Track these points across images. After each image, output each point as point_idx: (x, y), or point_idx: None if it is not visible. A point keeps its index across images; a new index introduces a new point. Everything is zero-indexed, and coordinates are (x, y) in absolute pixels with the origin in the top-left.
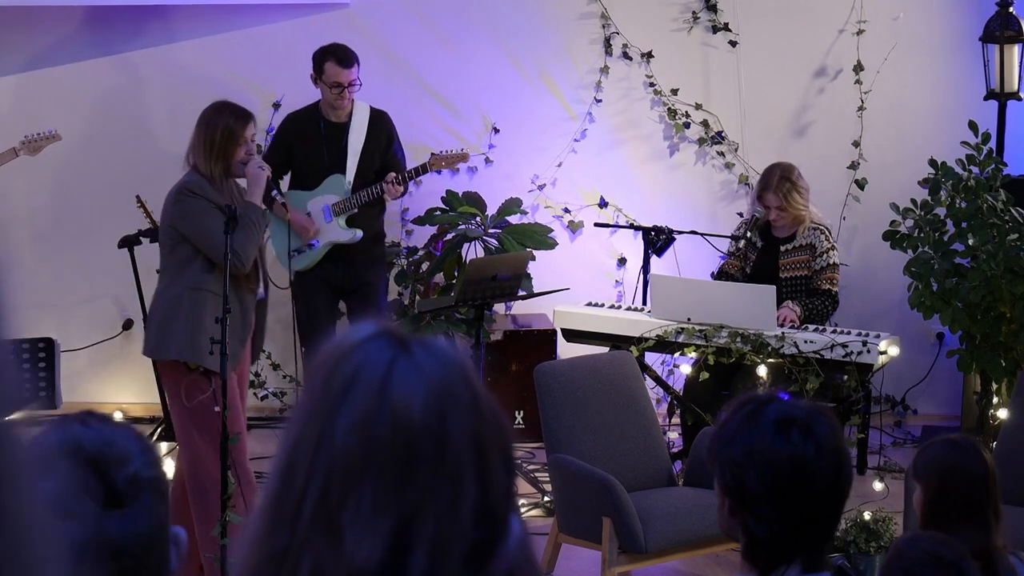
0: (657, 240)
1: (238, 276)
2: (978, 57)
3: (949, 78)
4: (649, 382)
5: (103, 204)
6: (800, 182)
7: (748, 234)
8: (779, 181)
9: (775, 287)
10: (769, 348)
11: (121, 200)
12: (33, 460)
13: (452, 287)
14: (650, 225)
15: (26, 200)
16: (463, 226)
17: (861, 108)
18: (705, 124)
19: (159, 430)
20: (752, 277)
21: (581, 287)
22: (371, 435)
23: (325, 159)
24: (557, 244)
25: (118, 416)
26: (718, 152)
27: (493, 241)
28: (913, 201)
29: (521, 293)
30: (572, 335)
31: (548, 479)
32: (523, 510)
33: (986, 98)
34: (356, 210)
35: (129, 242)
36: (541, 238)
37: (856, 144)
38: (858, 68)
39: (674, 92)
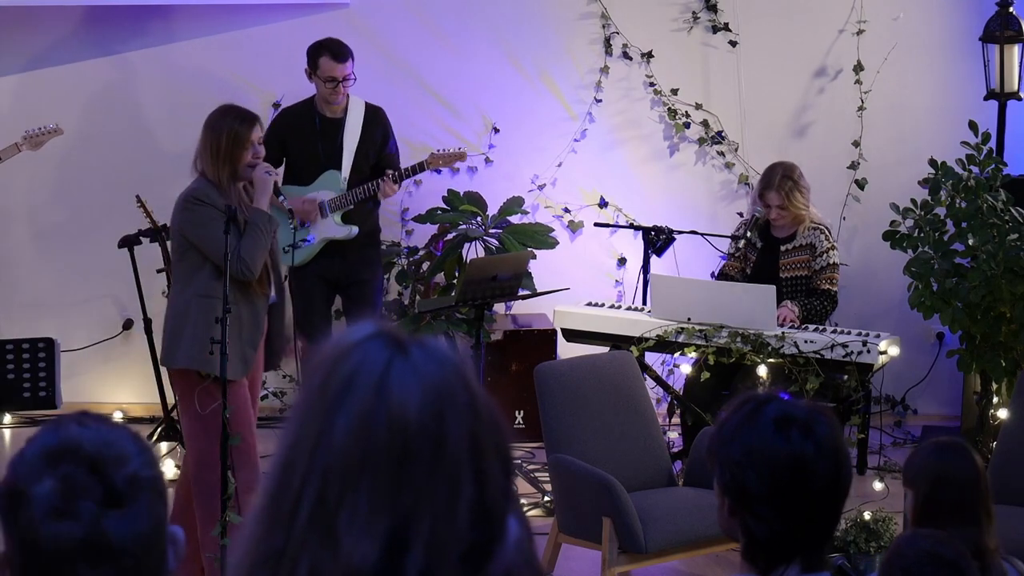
0: (657, 240)
1: (249, 281)
2: (978, 57)
3: (949, 78)
4: (649, 382)
5: (103, 204)
6: (802, 181)
7: (748, 234)
8: (781, 180)
9: (775, 287)
10: (769, 348)
11: (121, 200)
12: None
13: (452, 287)
14: (650, 225)
15: (26, 200)
16: (464, 226)
17: (861, 108)
18: (705, 124)
19: (159, 430)
20: (752, 277)
21: (581, 287)
22: (368, 436)
23: (321, 155)
24: (558, 244)
25: (118, 416)
26: (718, 152)
27: (494, 241)
28: (913, 201)
29: (521, 293)
30: (572, 335)
31: (548, 479)
32: (523, 510)
33: (986, 98)
34: (352, 206)
35: (129, 242)
36: (542, 238)
37: (856, 144)
38: (858, 68)
39: (674, 92)
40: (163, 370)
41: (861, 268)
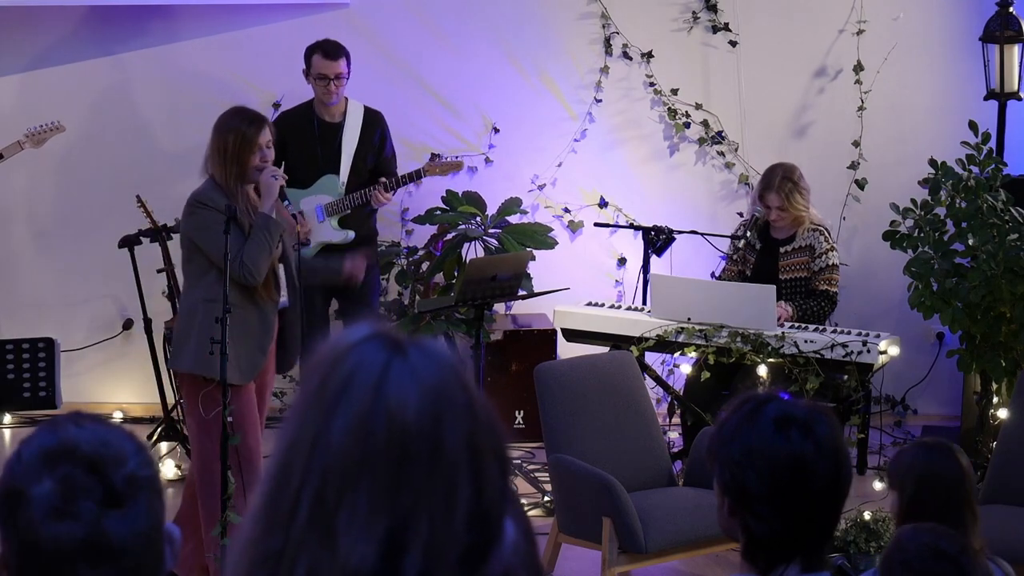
0: (657, 240)
1: (253, 285)
2: (978, 57)
3: (949, 78)
4: (649, 382)
5: (103, 204)
6: (802, 183)
7: (748, 234)
8: (781, 181)
9: (775, 287)
10: (769, 348)
11: (121, 200)
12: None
13: (452, 287)
14: (650, 225)
15: (26, 200)
16: (463, 226)
17: (861, 108)
18: (705, 124)
19: (159, 430)
20: (752, 279)
21: (581, 287)
22: (366, 437)
23: (319, 159)
24: (557, 244)
25: (118, 416)
26: (718, 152)
27: (493, 241)
28: (913, 201)
29: (521, 293)
30: (572, 335)
31: (548, 479)
32: (525, 511)
33: (986, 98)
34: (349, 211)
35: (129, 242)
36: (541, 238)
37: (856, 144)
38: (858, 68)
39: (674, 92)
40: (163, 370)
41: (861, 268)
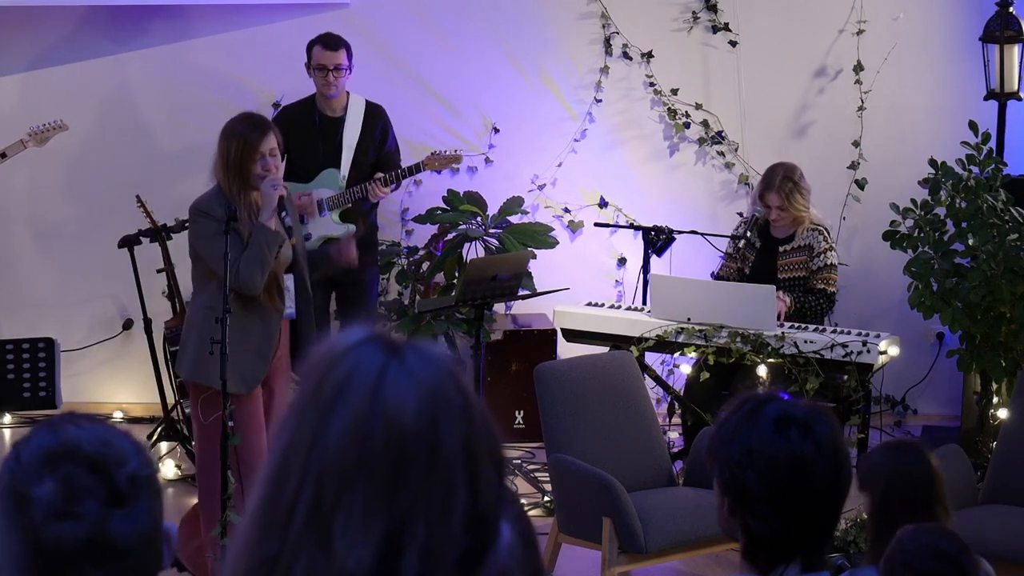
0: (657, 240)
1: (251, 295)
2: (978, 57)
3: (949, 78)
4: (649, 382)
5: (103, 204)
6: (802, 183)
7: (748, 234)
8: (782, 181)
9: (775, 287)
10: (769, 348)
11: (121, 200)
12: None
13: (452, 287)
14: (650, 225)
15: (27, 200)
16: (464, 226)
17: (861, 108)
18: (705, 124)
19: (159, 430)
20: (751, 278)
21: (581, 287)
22: (363, 440)
23: (320, 153)
24: (557, 244)
25: (118, 416)
26: (718, 152)
27: (494, 241)
28: (913, 201)
29: (521, 293)
30: (572, 335)
31: (548, 479)
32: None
33: (986, 98)
34: (350, 205)
35: (129, 242)
36: (542, 238)
37: (856, 144)
38: (858, 68)
39: (674, 92)
40: (163, 370)
41: (861, 268)
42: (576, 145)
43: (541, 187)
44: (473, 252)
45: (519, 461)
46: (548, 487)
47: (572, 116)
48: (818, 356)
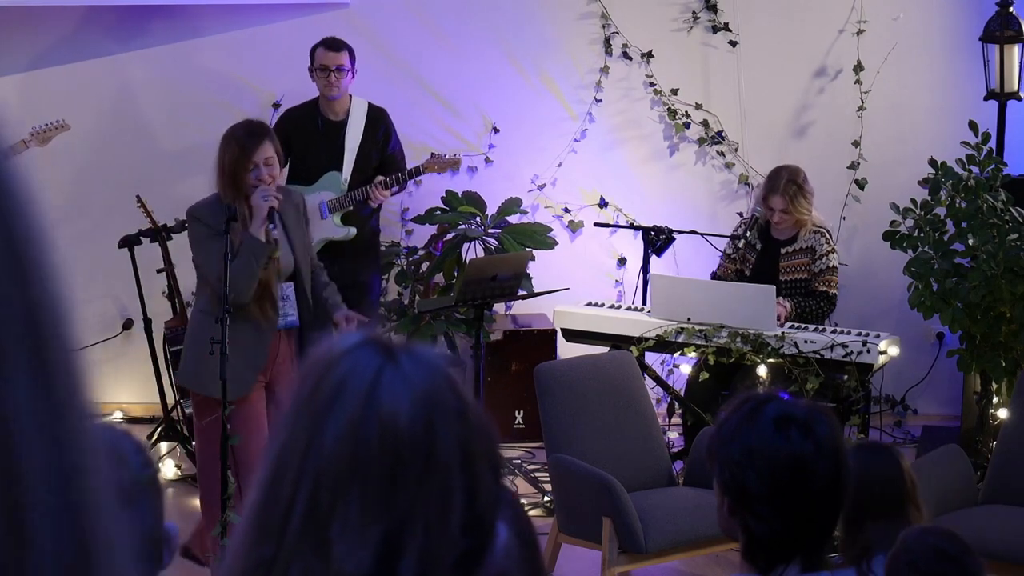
0: (657, 240)
1: (243, 304)
2: (978, 57)
3: (949, 78)
4: (649, 382)
5: (103, 204)
6: (806, 186)
7: (748, 234)
8: (786, 184)
9: (775, 287)
10: (769, 348)
11: (121, 200)
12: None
13: (452, 287)
14: (650, 225)
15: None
16: (463, 226)
17: (861, 108)
18: (705, 124)
19: (159, 430)
20: (751, 280)
21: (581, 287)
22: (359, 444)
23: (322, 156)
24: (557, 244)
25: (118, 416)
26: (718, 152)
27: (493, 241)
28: (913, 201)
29: (521, 293)
30: (572, 335)
31: (548, 479)
32: (527, 512)
33: (986, 98)
34: (351, 207)
35: (129, 242)
36: (541, 238)
37: (856, 144)
38: (858, 68)
39: (674, 92)
40: (163, 370)
41: (861, 268)
42: (576, 145)
43: (541, 187)
44: (472, 252)
45: (519, 461)
46: (548, 487)
47: (572, 116)
48: (818, 356)
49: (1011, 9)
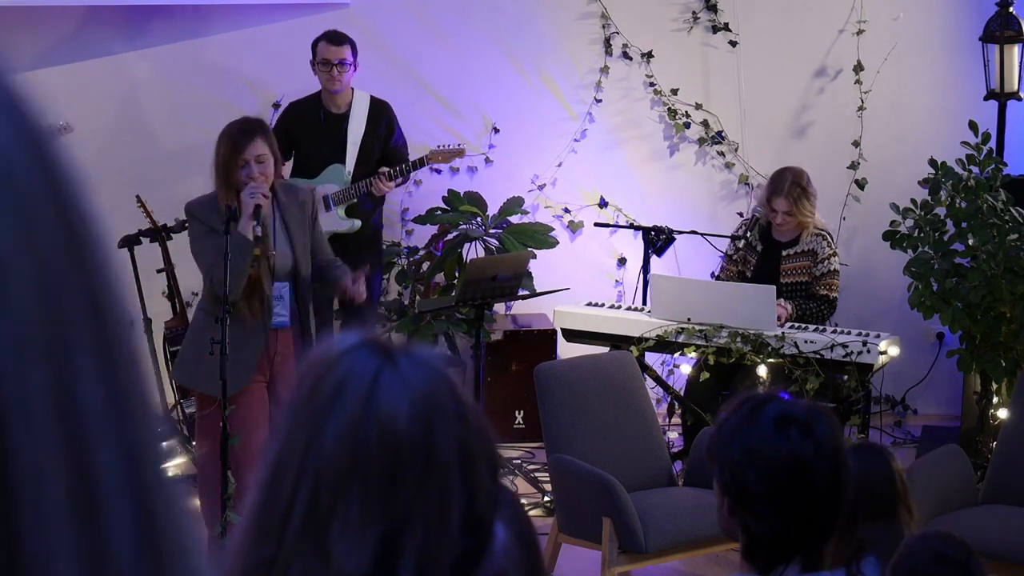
0: (657, 240)
1: (235, 302)
2: (978, 57)
3: (949, 78)
4: (649, 382)
5: (103, 204)
6: (810, 188)
7: (748, 235)
8: (790, 187)
9: (775, 287)
10: (769, 348)
11: (121, 200)
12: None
13: (452, 287)
14: (650, 225)
15: None
16: (464, 226)
17: (861, 108)
18: (705, 124)
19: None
20: (753, 281)
21: (581, 287)
22: (358, 444)
23: (325, 149)
24: (557, 244)
25: None
26: (718, 152)
27: (494, 241)
28: (913, 201)
29: (522, 293)
30: (572, 335)
31: (548, 479)
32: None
33: (986, 98)
34: (355, 200)
35: (129, 242)
36: (542, 237)
37: (856, 144)
38: (858, 68)
39: (674, 92)
40: (163, 370)
41: (861, 268)
42: (576, 145)
43: (541, 187)
44: (473, 252)
45: (519, 461)
46: (548, 487)
47: (572, 116)
48: (818, 356)
49: (1011, 9)
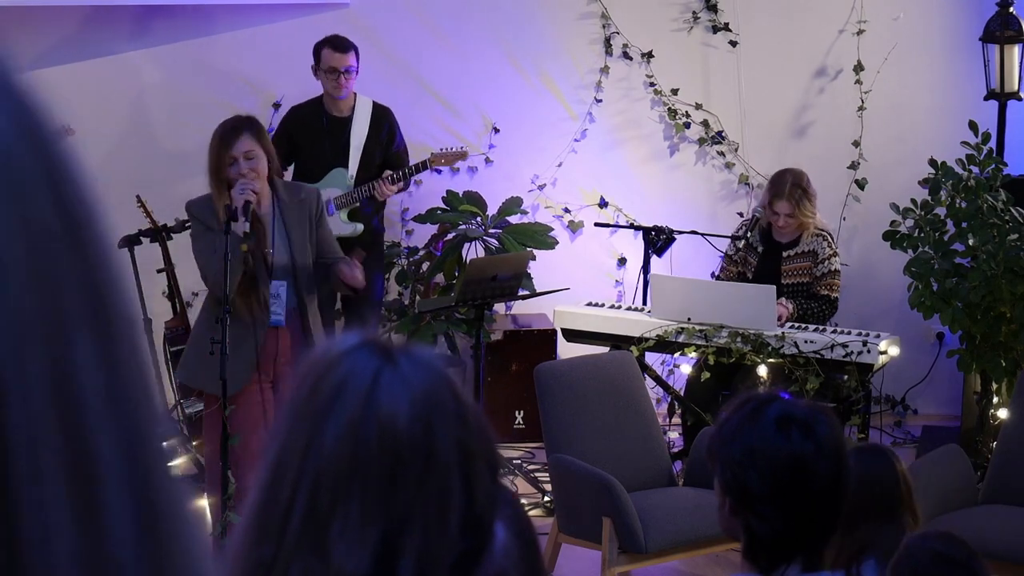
0: (657, 240)
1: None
2: (978, 57)
3: (949, 78)
4: (649, 382)
5: (103, 204)
6: (810, 189)
7: (748, 235)
8: (791, 189)
9: (775, 287)
10: (769, 348)
11: (121, 200)
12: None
13: (452, 287)
14: (650, 225)
15: None
16: (463, 226)
17: (861, 108)
18: (705, 124)
19: None
20: (753, 282)
21: (581, 287)
22: (358, 445)
23: (328, 153)
24: (557, 244)
25: None
26: (718, 152)
27: (493, 241)
28: (913, 201)
29: (521, 293)
30: (572, 335)
31: (548, 479)
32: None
33: (986, 98)
34: (358, 204)
35: (129, 242)
36: (541, 238)
37: (856, 144)
38: (858, 68)
39: (674, 92)
40: (163, 370)
41: (861, 268)
42: (576, 145)
43: (541, 187)
44: (473, 252)
45: (519, 461)
46: (548, 487)
47: (572, 116)
48: (818, 356)
49: (1011, 9)
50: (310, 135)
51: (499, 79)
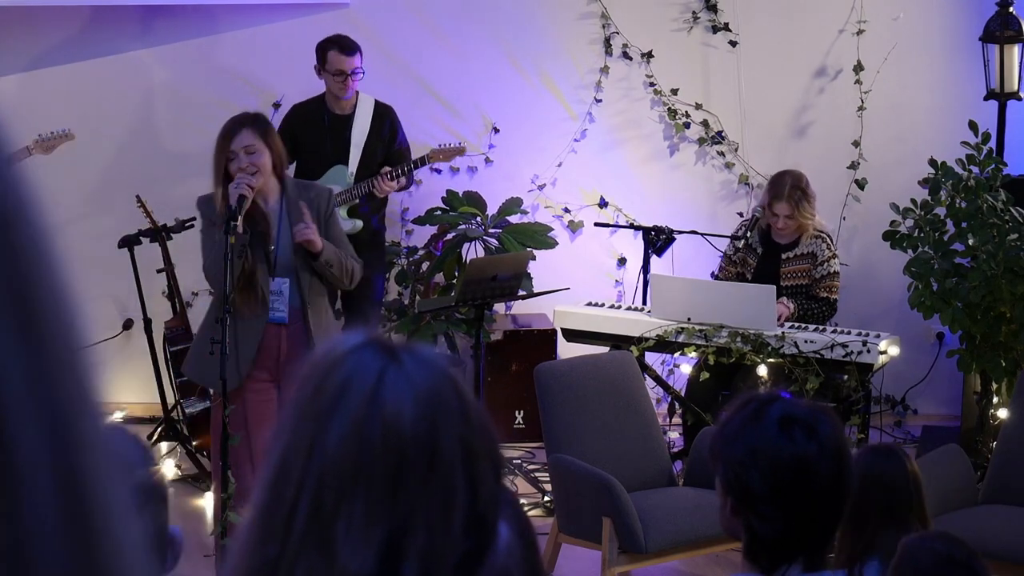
0: (657, 240)
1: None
2: (978, 57)
3: (949, 78)
4: (649, 382)
5: (103, 204)
6: (809, 190)
7: (748, 235)
8: (791, 190)
9: (775, 287)
10: (769, 348)
11: (121, 200)
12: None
13: (452, 287)
14: (650, 225)
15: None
16: (463, 226)
17: (861, 108)
18: (705, 124)
19: (159, 430)
20: (753, 284)
21: (581, 287)
22: (363, 444)
23: (329, 150)
24: (557, 244)
25: (118, 416)
26: (718, 152)
27: (493, 241)
28: (913, 201)
29: (521, 293)
30: (572, 335)
31: (548, 479)
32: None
33: (986, 98)
34: (358, 201)
35: (129, 242)
36: (541, 238)
37: (856, 144)
38: (858, 68)
39: (674, 92)
40: (163, 370)
41: (861, 268)
42: (576, 145)
43: (541, 187)
44: (473, 252)
45: (519, 461)
46: (548, 487)
47: (572, 116)
48: (818, 356)
49: (1011, 9)
50: (312, 132)
51: (499, 79)
